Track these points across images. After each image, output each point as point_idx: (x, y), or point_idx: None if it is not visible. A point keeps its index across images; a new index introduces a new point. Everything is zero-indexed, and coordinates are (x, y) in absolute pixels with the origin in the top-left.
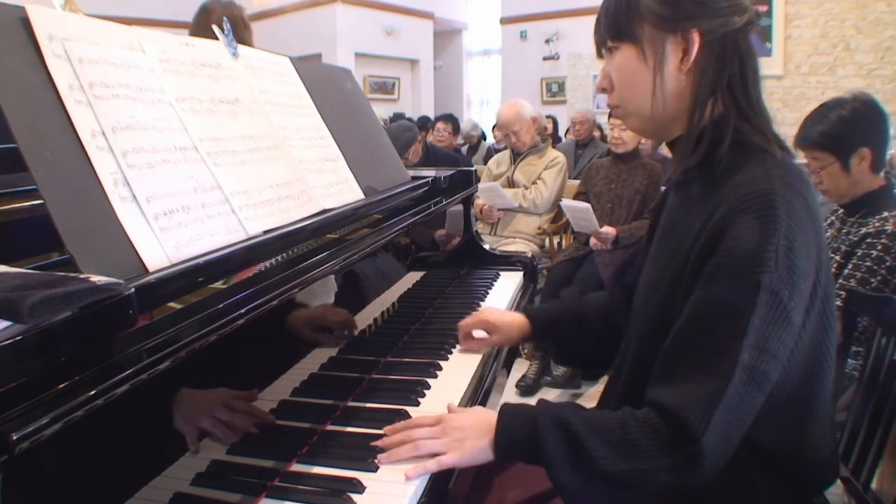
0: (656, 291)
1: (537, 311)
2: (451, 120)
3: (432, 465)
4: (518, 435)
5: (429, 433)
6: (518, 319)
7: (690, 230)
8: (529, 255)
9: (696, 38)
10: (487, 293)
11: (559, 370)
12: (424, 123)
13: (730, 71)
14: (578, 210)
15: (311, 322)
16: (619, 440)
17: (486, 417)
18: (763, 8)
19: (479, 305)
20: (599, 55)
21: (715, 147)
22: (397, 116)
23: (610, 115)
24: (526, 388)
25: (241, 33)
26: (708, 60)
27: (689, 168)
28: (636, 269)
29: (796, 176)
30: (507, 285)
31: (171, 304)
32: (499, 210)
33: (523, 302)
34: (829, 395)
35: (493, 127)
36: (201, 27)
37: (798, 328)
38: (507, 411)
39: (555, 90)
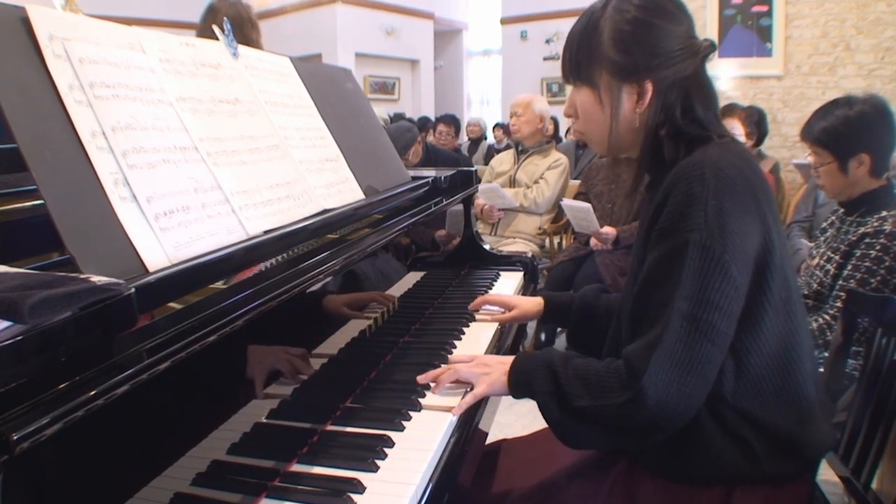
0: (630, 277)
1: (553, 295)
2: (454, 122)
3: (469, 399)
4: (523, 375)
5: (465, 366)
6: (536, 299)
7: (647, 217)
8: (530, 255)
9: (649, 88)
10: (488, 293)
11: None
12: (424, 124)
13: (676, 105)
14: (579, 210)
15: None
16: (593, 382)
17: (508, 360)
18: (763, 8)
19: None
20: (567, 82)
21: (669, 152)
22: (397, 116)
23: None
24: None
25: (248, 33)
26: (659, 103)
27: (651, 172)
28: None
29: (736, 154)
30: (508, 285)
31: (171, 304)
32: (499, 210)
33: None
34: (811, 373)
35: (494, 127)
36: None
37: (739, 282)
38: (520, 356)
39: (555, 90)
